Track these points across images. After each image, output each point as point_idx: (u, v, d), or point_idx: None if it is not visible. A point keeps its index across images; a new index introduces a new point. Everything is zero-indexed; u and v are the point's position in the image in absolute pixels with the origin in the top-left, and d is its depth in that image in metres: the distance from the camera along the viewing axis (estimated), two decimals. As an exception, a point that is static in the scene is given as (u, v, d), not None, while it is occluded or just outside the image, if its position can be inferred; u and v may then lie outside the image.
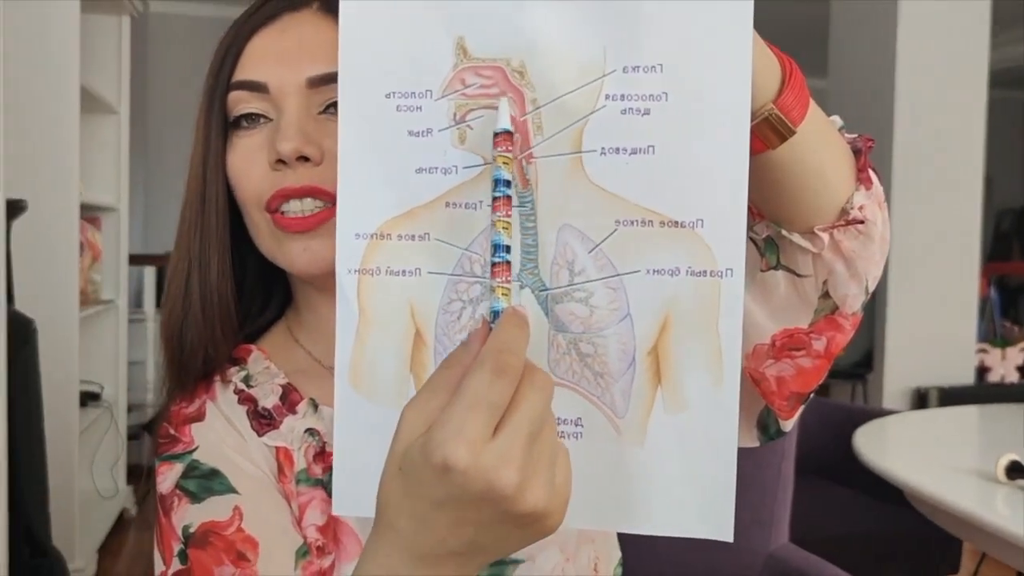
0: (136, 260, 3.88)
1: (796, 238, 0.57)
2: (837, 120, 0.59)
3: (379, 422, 0.49)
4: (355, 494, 0.51)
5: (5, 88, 1.34)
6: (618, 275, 0.48)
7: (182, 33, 6.08)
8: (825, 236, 0.57)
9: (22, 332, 1.83)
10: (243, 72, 0.67)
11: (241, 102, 0.67)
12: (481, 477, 0.41)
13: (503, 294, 0.46)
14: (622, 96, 0.47)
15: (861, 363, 3.71)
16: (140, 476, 3.85)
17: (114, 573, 3.03)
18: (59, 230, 2.74)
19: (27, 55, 2.58)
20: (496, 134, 0.46)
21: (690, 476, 0.49)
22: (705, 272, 0.47)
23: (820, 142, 0.54)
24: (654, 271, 0.47)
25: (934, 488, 1.61)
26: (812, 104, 0.53)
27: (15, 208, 2.01)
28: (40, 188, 2.60)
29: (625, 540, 0.79)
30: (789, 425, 0.66)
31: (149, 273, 4.16)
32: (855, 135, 0.60)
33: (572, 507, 0.47)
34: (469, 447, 0.41)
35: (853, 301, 0.60)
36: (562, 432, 0.49)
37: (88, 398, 3.12)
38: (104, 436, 3.29)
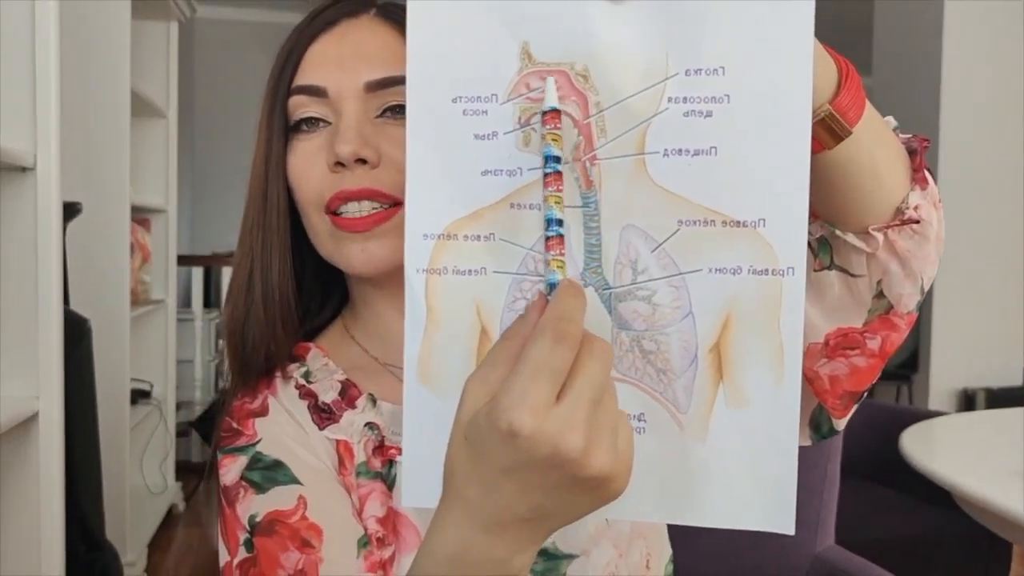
0: (184, 261, 3.95)
1: (850, 238, 0.58)
2: (891, 121, 0.59)
3: (446, 416, 0.50)
4: (423, 486, 0.52)
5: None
6: (680, 274, 0.49)
7: (227, 37, 6.18)
8: (880, 236, 0.57)
9: (77, 331, 1.87)
10: (303, 77, 0.69)
11: (301, 106, 0.69)
12: (547, 442, 0.42)
13: (558, 266, 0.47)
14: (685, 99, 0.48)
15: (906, 364, 3.66)
16: (188, 473, 3.92)
17: (164, 568, 3.09)
18: (111, 232, 2.80)
19: (80, 62, 2.64)
20: (543, 113, 0.48)
21: (751, 470, 0.49)
22: (767, 271, 0.48)
23: (875, 142, 0.55)
24: (716, 270, 0.48)
25: (982, 490, 1.59)
26: (868, 105, 0.53)
27: (71, 211, 2.05)
28: (93, 191, 2.67)
29: (675, 538, 0.80)
30: (842, 424, 0.67)
31: (197, 273, 4.23)
32: (909, 135, 0.60)
33: (635, 499, 0.48)
34: (533, 413, 0.42)
35: (908, 300, 0.60)
36: None
37: (138, 396, 3.18)
38: (153, 433, 3.36)
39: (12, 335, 1.36)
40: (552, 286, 0.46)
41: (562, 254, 0.47)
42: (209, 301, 4.70)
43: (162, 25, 3.37)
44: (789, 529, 0.49)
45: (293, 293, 0.72)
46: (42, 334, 1.36)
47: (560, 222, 0.47)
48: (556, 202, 0.47)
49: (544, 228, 0.47)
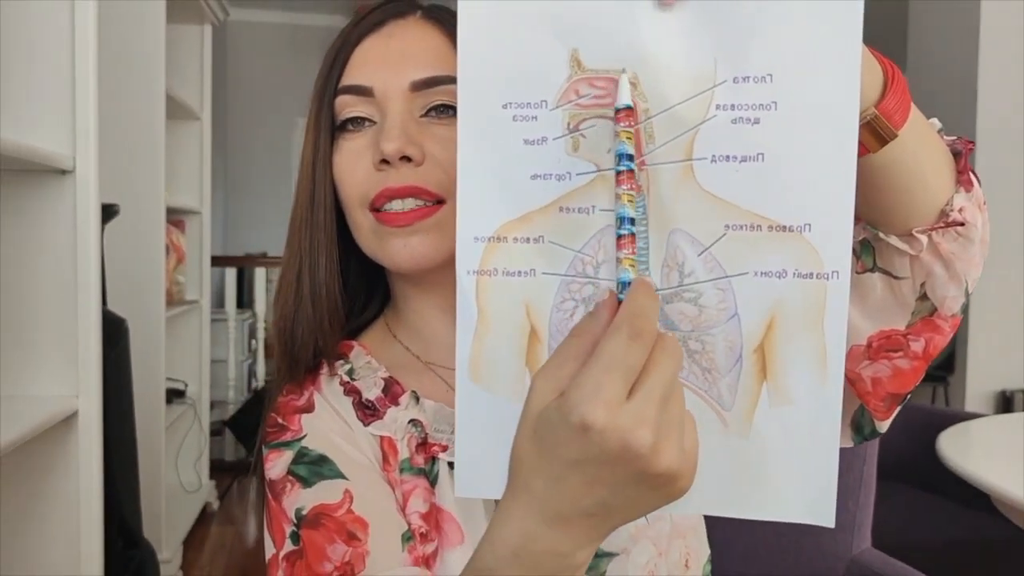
0: (217, 261, 3.99)
1: (894, 240, 0.58)
2: (936, 123, 0.59)
3: (497, 412, 0.52)
4: (477, 478, 0.54)
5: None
6: (727, 277, 0.50)
7: (259, 40, 6.23)
8: (924, 238, 0.57)
9: (115, 331, 1.90)
10: (350, 77, 0.70)
11: (348, 106, 0.70)
12: (618, 436, 0.42)
13: (630, 265, 0.48)
14: (732, 106, 0.48)
15: (942, 365, 3.61)
16: (222, 471, 3.96)
17: (198, 565, 3.12)
18: (147, 233, 2.84)
19: (117, 66, 2.67)
20: (617, 110, 0.48)
21: (794, 465, 0.51)
22: (812, 274, 0.49)
23: (920, 145, 0.55)
24: (762, 273, 0.49)
25: (1021, 493, 1.56)
26: (913, 107, 0.53)
27: (108, 212, 2.08)
28: (129, 193, 2.70)
29: (712, 539, 0.80)
30: (885, 426, 0.66)
31: (230, 274, 4.28)
32: (954, 137, 0.60)
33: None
34: (606, 407, 0.42)
35: (952, 303, 0.60)
36: None
37: (173, 395, 3.22)
38: (188, 432, 3.40)
39: (52, 335, 1.38)
40: (623, 284, 0.47)
41: (634, 252, 0.48)
42: (242, 301, 4.75)
43: (196, 28, 3.41)
44: (830, 522, 0.50)
45: (340, 290, 0.73)
46: (81, 334, 1.38)
47: (632, 220, 0.48)
48: (629, 200, 0.48)
49: (616, 226, 0.48)
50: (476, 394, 0.53)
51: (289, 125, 6.36)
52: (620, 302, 0.47)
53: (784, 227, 0.49)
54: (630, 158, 0.48)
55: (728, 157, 0.49)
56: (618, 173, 0.48)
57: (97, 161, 1.39)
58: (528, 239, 0.51)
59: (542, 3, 0.50)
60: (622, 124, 0.48)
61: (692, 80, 0.48)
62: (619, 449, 0.43)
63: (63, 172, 1.36)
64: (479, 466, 0.54)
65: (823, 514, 0.51)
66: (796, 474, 0.51)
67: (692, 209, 0.49)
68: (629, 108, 0.48)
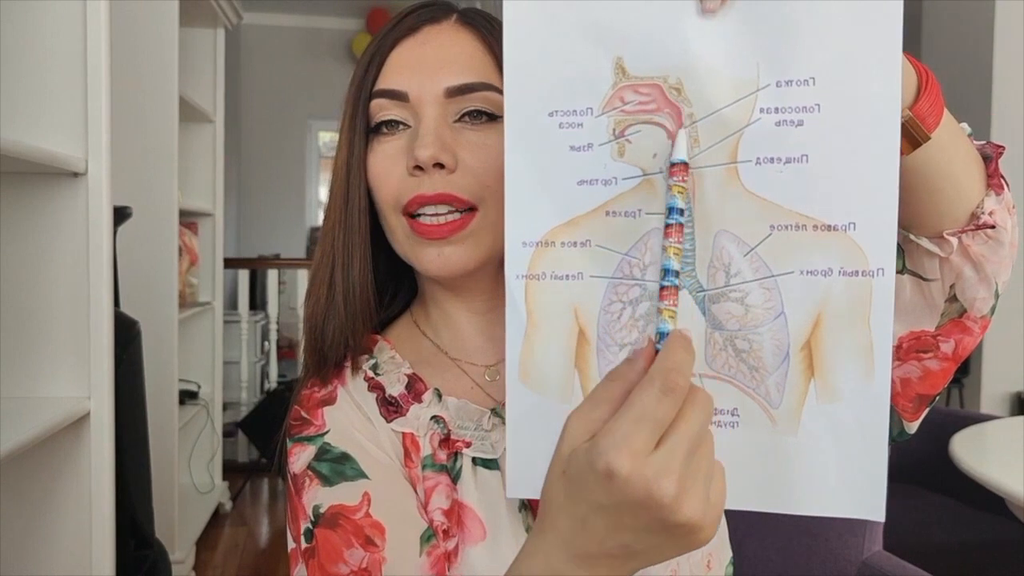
0: (230, 264, 4.00)
1: (924, 242, 0.58)
2: (966, 127, 0.60)
3: (547, 413, 0.54)
4: (527, 478, 0.55)
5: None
6: (772, 276, 0.51)
7: (272, 44, 6.25)
8: (954, 240, 0.57)
9: (127, 333, 1.90)
10: (384, 81, 0.70)
11: (382, 109, 0.70)
12: (642, 486, 0.44)
13: (670, 316, 0.49)
14: (776, 109, 0.49)
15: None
16: (234, 472, 3.97)
17: (211, 566, 3.13)
18: (160, 235, 2.85)
19: (130, 69, 2.69)
20: (672, 164, 0.50)
21: (843, 461, 0.51)
22: (857, 272, 0.50)
23: (951, 148, 0.55)
24: (807, 272, 0.50)
25: (1037, 497, 1.55)
26: (945, 111, 0.54)
27: (121, 215, 2.09)
28: (142, 195, 2.72)
29: (732, 542, 0.80)
30: (914, 427, 0.67)
31: (243, 276, 4.29)
32: (984, 141, 0.61)
33: (730, 490, 0.50)
34: (632, 457, 0.44)
35: (982, 304, 0.61)
36: (719, 422, 0.52)
37: (186, 396, 3.23)
38: (201, 433, 3.41)
39: (65, 337, 1.38)
40: (662, 335, 0.49)
41: (674, 304, 0.49)
42: (255, 303, 4.77)
43: (209, 32, 3.42)
44: (879, 516, 0.51)
45: (372, 289, 0.74)
46: (94, 336, 1.38)
47: (677, 273, 0.49)
48: (675, 253, 0.49)
49: (660, 277, 0.50)
50: (526, 396, 0.54)
51: (302, 128, 6.39)
52: (657, 352, 0.48)
53: (829, 226, 0.50)
54: (680, 212, 0.49)
55: (772, 159, 0.50)
56: (667, 225, 0.50)
57: (109, 164, 1.40)
58: (576, 243, 0.53)
59: (586, 12, 0.51)
60: (675, 178, 0.50)
61: (736, 84, 0.50)
62: (643, 498, 0.44)
63: (75, 175, 1.37)
64: (528, 467, 0.55)
65: (873, 508, 0.51)
66: (845, 469, 0.51)
67: (737, 211, 0.51)
68: (684, 163, 0.50)
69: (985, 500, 1.89)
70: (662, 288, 0.50)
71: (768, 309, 0.51)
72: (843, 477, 0.51)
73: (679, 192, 0.49)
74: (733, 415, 0.52)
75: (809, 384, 0.51)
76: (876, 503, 0.51)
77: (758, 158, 0.50)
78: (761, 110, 0.49)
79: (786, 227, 0.50)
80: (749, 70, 0.49)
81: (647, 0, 0.50)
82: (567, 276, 0.53)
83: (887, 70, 0.48)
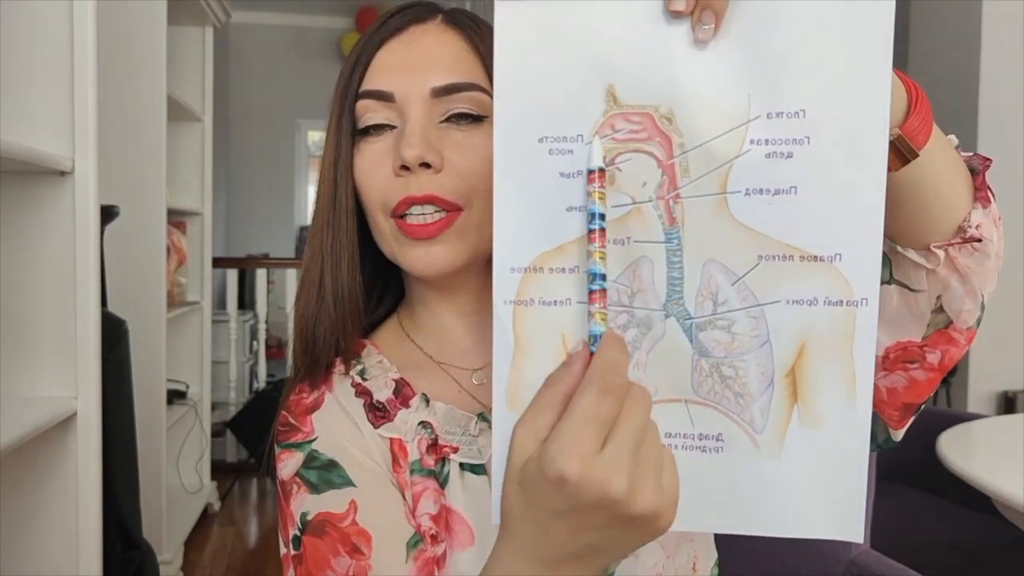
0: (218, 263, 3.99)
1: (911, 254, 0.59)
2: (953, 139, 0.60)
3: None
4: None
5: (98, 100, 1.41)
6: (759, 305, 0.51)
7: (261, 42, 6.24)
8: (941, 253, 0.58)
9: (115, 332, 1.89)
10: (371, 82, 0.70)
11: (369, 110, 0.70)
12: (594, 487, 0.45)
13: (601, 319, 0.50)
14: (766, 140, 0.50)
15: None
16: (223, 472, 3.96)
17: (199, 566, 3.12)
18: (148, 234, 2.84)
19: (117, 67, 2.68)
20: (589, 171, 0.50)
21: (824, 484, 0.52)
22: (842, 302, 0.50)
23: (940, 163, 0.56)
24: (793, 301, 0.51)
25: (1023, 495, 1.56)
26: (934, 127, 0.55)
27: (108, 214, 2.08)
28: (130, 194, 2.71)
29: (719, 542, 0.81)
30: (899, 435, 0.68)
31: (231, 275, 4.27)
32: (971, 153, 0.61)
33: (715, 513, 0.52)
34: (581, 460, 0.44)
35: (968, 316, 0.61)
36: (704, 447, 0.53)
37: (174, 396, 3.22)
38: (189, 433, 3.40)
39: (51, 336, 1.38)
40: (595, 338, 0.49)
41: (604, 307, 0.50)
42: (243, 303, 4.75)
43: (197, 30, 3.41)
44: (859, 537, 0.52)
45: (360, 290, 0.74)
46: (80, 335, 1.38)
47: (604, 277, 0.50)
48: (601, 257, 0.50)
49: (588, 281, 0.50)
50: (513, 422, 0.54)
51: (291, 127, 6.37)
52: (592, 354, 0.49)
53: (815, 257, 0.50)
54: (602, 217, 0.50)
55: (762, 190, 0.50)
56: (590, 231, 0.50)
57: (96, 162, 1.39)
58: (564, 269, 0.53)
59: (579, 39, 0.51)
60: (593, 185, 0.50)
61: (726, 116, 0.50)
62: (597, 497, 0.45)
63: (62, 173, 1.36)
64: None
65: (852, 531, 0.52)
66: (825, 492, 0.52)
67: (726, 240, 0.51)
68: (601, 170, 0.50)
69: (972, 499, 1.90)
70: (591, 292, 0.50)
71: (754, 337, 0.52)
72: (823, 500, 0.52)
73: (600, 198, 0.50)
74: (718, 440, 0.53)
75: (792, 410, 0.52)
76: (855, 525, 0.52)
77: (747, 189, 0.50)
78: (751, 141, 0.50)
79: (774, 257, 0.51)
80: (740, 101, 0.50)
81: (640, 29, 0.50)
82: (555, 302, 0.53)
83: (876, 103, 0.49)
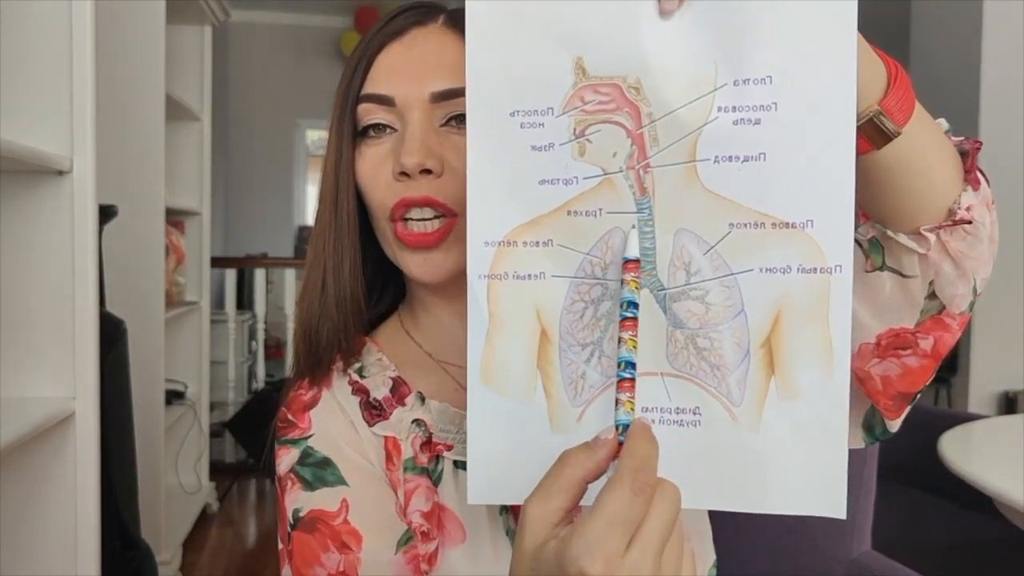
0: (217, 263, 3.99)
1: (902, 239, 0.58)
2: (943, 123, 0.60)
3: (510, 414, 0.54)
4: (489, 482, 0.55)
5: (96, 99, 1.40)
6: (732, 274, 0.51)
7: (260, 41, 6.23)
8: (932, 237, 0.57)
9: (113, 332, 1.89)
10: (371, 86, 0.71)
11: (369, 113, 0.71)
12: None
13: (630, 407, 0.49)
14: (734, 108, 0.50)
15: (945, 366, 3.58)
16: (222, 473, 3.95)
17: (198, 567, 3.12)
18: (146, 234, 2.84)
19: (116, 67, 2.67)
20: (626, 261, 0.50)
21: (804, 458, 0.51)
22: (815, 269, 0.50)
23: (925, 143, 0.55)
24: (767, 269, 0.51)
25: (1024, 496, 1.56)
26: (918, 106, 0.54)
27: (107, 213, 2.08)
28: (129, 194, 2.70)
29: (717, 543, 0.80)
30: (896, 425, 0.67)
31: (230, 275, 4.27)
32: (962, 138, 0.60)
33: (694, 490, 0.50)
34: (605, 562, 0.43)
35: (961, 301, 0.60)
36: (681, 420, 0.52)
37: (172, 396, 3.22)
38: (188, 433, 3.39)
39: (49, 336, 1.37)
40: (623, 427, 0.48)
41: (633, 396, 0.49)
42: (242, 303, 4.75)
43: (196, 29, 3.40)
44: (841, 513, 0.51)
45: (363, 290, 0.74)
46: (79, 335, 1.37)
47: (634, 365, 0.50)
48: (633, 346, 0.50)
49: (619, 368, 0.50)
50: (487, 396, 0.54)
51: (290, 126, 6.36)
52: (620, 444, 0.48)
53: (787, 224, 0.50)
54: (635, 306, 0.50)
55: (731, 157, 0.50)
56: (623, 318, 0.50)
57: (94, 162, 1.39)
58: (537, 243, 0.53)
59: (546, 13, 0.51)
60: (629, 274, 0.50)
61: (694, 84, 0.50)
62: None
63: (60, 173, 1.36)
64: (491, 471, 0.54)
65: (834, 506, 0.51)
66: (806, 467, 0.52)
67: (697, 209, 0.51)
68: (636, 260, 0.50)
69: (973, 499, 1.89)
70: (620, 380, 0.49)
71: (728, 307, 0.51)
72: (804, 474, 0.52)
73: (634, 288, 0.50)
74: (695, 413, 0.53)
75: (770, 381, 0.51)
76: (837, 500, 0.51)
77: (716, 157, 0.50)
78: (719, 109, 0.50)
79: (745, 225, 0.50)
80: (707, 69, 0.50)
81: (607, 2, 0.50)
82: (529, 276, 0.53)
83: (842, 68, 0.49)
